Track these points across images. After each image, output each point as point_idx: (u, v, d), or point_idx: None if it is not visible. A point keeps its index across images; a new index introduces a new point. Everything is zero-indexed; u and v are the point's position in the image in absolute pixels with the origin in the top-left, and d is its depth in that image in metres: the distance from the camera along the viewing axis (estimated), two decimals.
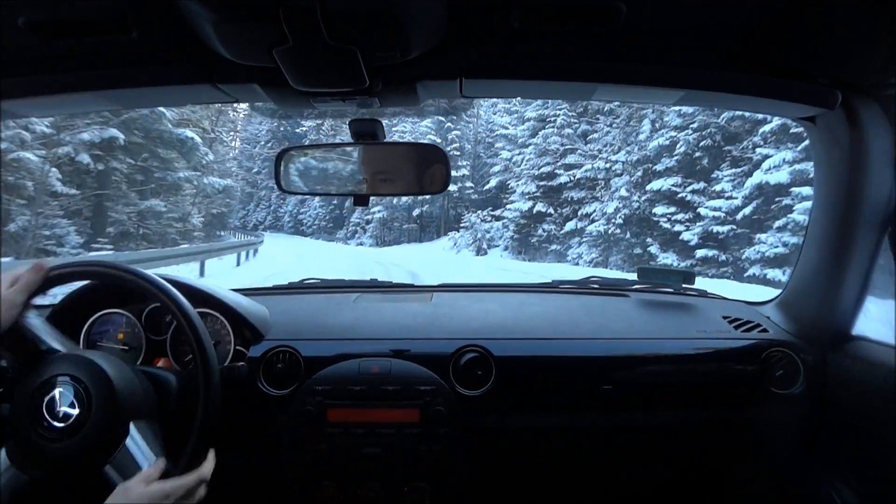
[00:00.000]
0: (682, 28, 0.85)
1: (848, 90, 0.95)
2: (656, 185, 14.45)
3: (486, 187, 23.00)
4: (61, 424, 0.78)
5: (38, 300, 1.15)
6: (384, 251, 22.21)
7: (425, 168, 1.10)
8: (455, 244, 21.45)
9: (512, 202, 19.50)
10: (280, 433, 1.13)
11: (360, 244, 28.60)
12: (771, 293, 1.40)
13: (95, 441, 0.79)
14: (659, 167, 14.73)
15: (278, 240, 28.13)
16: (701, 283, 1.44)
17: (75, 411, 0.79)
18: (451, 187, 21.49)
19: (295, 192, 1.21)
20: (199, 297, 1.11)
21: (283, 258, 14.84)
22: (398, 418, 1.10)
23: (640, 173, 15.39)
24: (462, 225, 22.03)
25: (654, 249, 14.44)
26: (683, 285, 1.41)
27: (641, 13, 0.78)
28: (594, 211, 16.43)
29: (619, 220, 15.35)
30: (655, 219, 14.46)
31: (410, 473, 1.11)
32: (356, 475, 1.11)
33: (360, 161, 1.14)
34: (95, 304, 1.14)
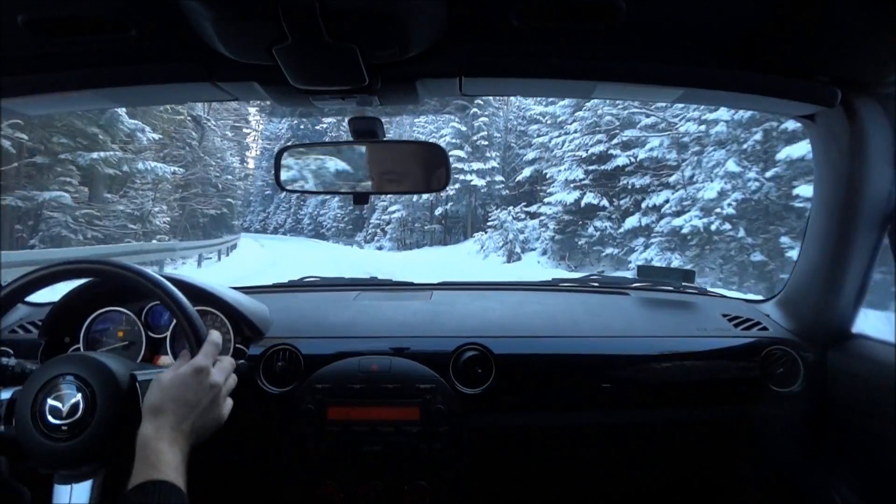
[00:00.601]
0: (681, 26, 0.85)
1: (847, 88, 0.94)
2: (795, 150, 8.41)
3: (519, 178, 19.23)
4: (65, 423, 0.78)
5: (39, 298, 1.16)
6: (399, 256, 19.24)
7: (424, 166, 1.10)
8: (482, 247, 17.54)
9: (551, 194, 15.23)
10: (280, 431, 1.13)
11: (380, 247, 26.41)
12: None
13: (100, 440, 0.79)
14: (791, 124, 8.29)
15: (270, 243, 26.76)
16: None
17: (79, 411, 0.79)
18: (479, 181, 20.27)
19: (294, 191, 1.22)
20: (199, 294, 1.11)
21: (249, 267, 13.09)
22: (398, 416, 1.10)
23: (759, 136, 9.58)
24: (490, 224, 17.91)
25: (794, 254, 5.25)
26: (683, 283, 1.41)
27: (641, 11, 0.78)
28: (666, 202, 11.59)
29: (729, 211, 9.60)
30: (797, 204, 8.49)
31: (410, 472, 1.11)
32: (356, 473, 1.11)
33: (357, 160, 1.14)
34: (95, 301, 1.14)
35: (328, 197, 38.68)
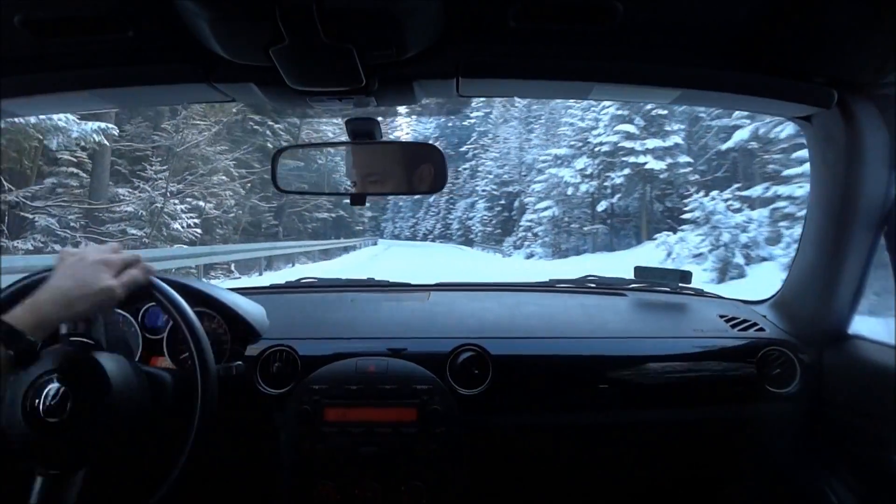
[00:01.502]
0: (678, 27, 0.85)
1: (844, 89, 0.95)
2: None
3: (721, 148, 13.72)
4: (54, 419, 0.78)
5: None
6: (550, 268, 14.10)
7: (421, 167, 1.10)
8: (669, 254, 11.86)
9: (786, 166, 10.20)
10: (277, 432, 1.12)
11: (530, 255, 21.48)
12: None
13: (87, 438, 0.79)
14: None
15: (399, 250, 23.16)
16: None
17: (67, 408, 0.78)
18: (656, 164, 16.52)
19: (291, 192, 1.22)
20: (196, 296, 1.10)
21: None
22: (395, 417, 1.10)
23: None
24: (685, 217, 11.78)
25: None
26: (680, 284, 1.41)
27: (638, 12, 0.79)
28: None
29: None
30: None
31: (407, 472, 1.11)
32: (353, 474, 1.11)
33: (354, 161, 1.14)
34: None
35: (474, 199, 36.95)
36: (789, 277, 1.27)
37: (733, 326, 1.26)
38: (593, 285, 1.53)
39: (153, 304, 1.04)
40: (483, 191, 36.02)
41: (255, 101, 1.03)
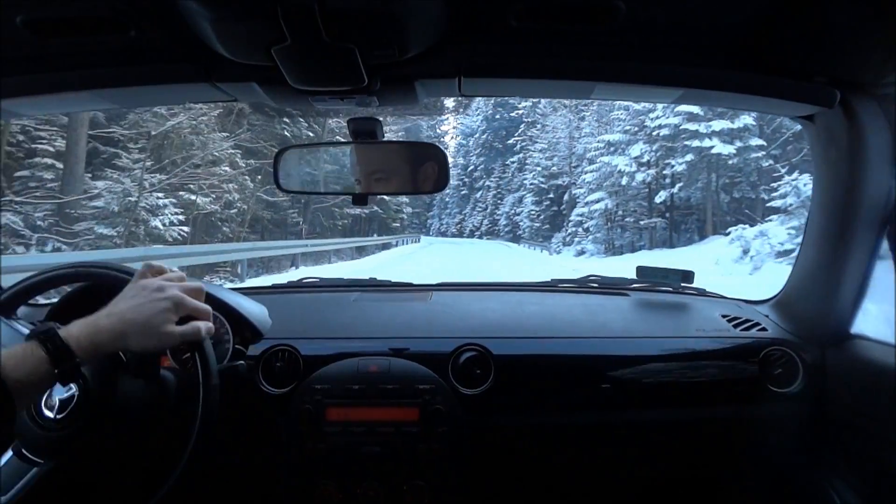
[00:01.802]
0: (680, 27, 0.85)
1: (846, 89, 0.95)
2: None
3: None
4: (59, 415, 0.78)
5: (38, 299, 1.15)
6: (602, 269, 8.40)
7: (423, 166, 1.10)
8: (746, 251, 9.97)
9: None
10: (279, 432, 1.13)
11: (582, 252, 19.56)
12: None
13: (90, 437, 0.79)
14: None
15: (439, 247, 21.55)
16: None
17: (71, 404, 0.79)
18: (724, 148, 13.20)
19: (293, 191, 1.22)
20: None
21: None
22: (397, 417, 1.10)
23: None
24: (772, 205, 10.04)
25: None
26: (682, 284, 1.41)
27: (640, 12, 0.78)
28: None
29: None
30: None
31: (409, 472, 1.11)
32: (355, 474, 1.11)
33: (356, 161, 1.14)
34: (92, 303, 1.14)
35: (522, 194, 34.80)
36: (792, 277, 1.27)
37: (736, 326, 1.26)
38: (595, 285, 1.53)
39: None
40: (531, 184, 34.44)
41: (257, 101, 1.03)
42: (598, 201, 18.84)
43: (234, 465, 1.19)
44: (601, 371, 1.17)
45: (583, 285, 1.54)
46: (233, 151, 13.12)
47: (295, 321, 1.26)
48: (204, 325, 0.86)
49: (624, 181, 17.31)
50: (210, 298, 1.12)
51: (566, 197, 27.92)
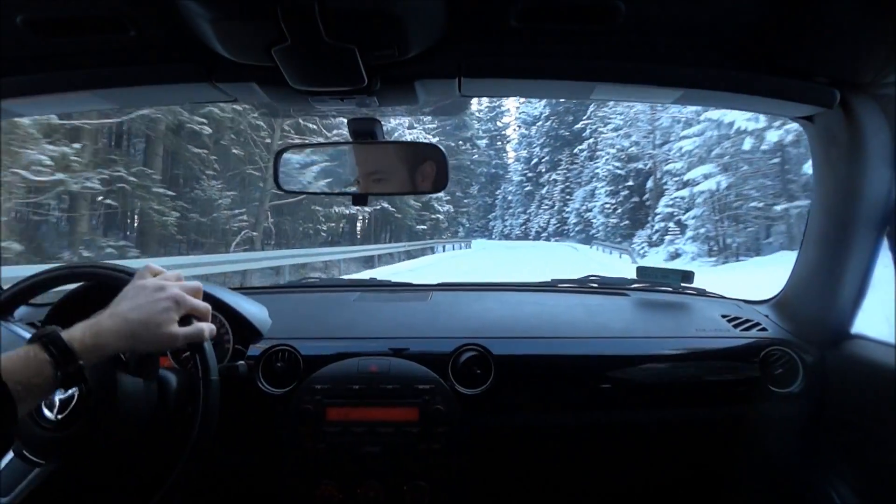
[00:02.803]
0: (680, 27, 0.85)
1: (846, 89, 0.95)
2: None
3: None
4: (58, 416, 0.78)
5: (37, 300, 1.15)
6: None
7: (423, 166, 1.10)
8: None
9: None
10: (279, 432, 1.13)
11: (676, 254, 15.26)
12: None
13: (91, 438, 0.80)
14: None
15: (493, 251, 18.57)
16: None
17: (71, 404, 0.79)
18: None
19: (293, 192, 1.22)
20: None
21: None
22: (397, 417, 1.10)
23: None
24: None
25: None
26: (682, 284, 1.41)
27: (640, 12, 0.78)
28: None
29: None
30: None
31: (410, 472, 1.11)
32: (355, 474, 1.11)
33: (356, 161, 1.14)
34: (92, 303, 1.14)
35: (593, 186, 30.08)
36: (792, 277, 1.27)
37: (736, 326, 1.26)
38: (595, 285, 1.53)
39: None
40: (605, 172, 28.32)
41: (257, 101, 1.03)
42: (704, 179, 12.94)
43: (233, 465, 1.19)
44: (601, 371, 1.17)
45: (583, 285, 1.54)
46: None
47: (295, 321, 1.26)
48: (207, 327, 0.86)
49: (747, 144, 11.51)
50: (209, 298, 1.12)
51: (649, 184, 22.39)
